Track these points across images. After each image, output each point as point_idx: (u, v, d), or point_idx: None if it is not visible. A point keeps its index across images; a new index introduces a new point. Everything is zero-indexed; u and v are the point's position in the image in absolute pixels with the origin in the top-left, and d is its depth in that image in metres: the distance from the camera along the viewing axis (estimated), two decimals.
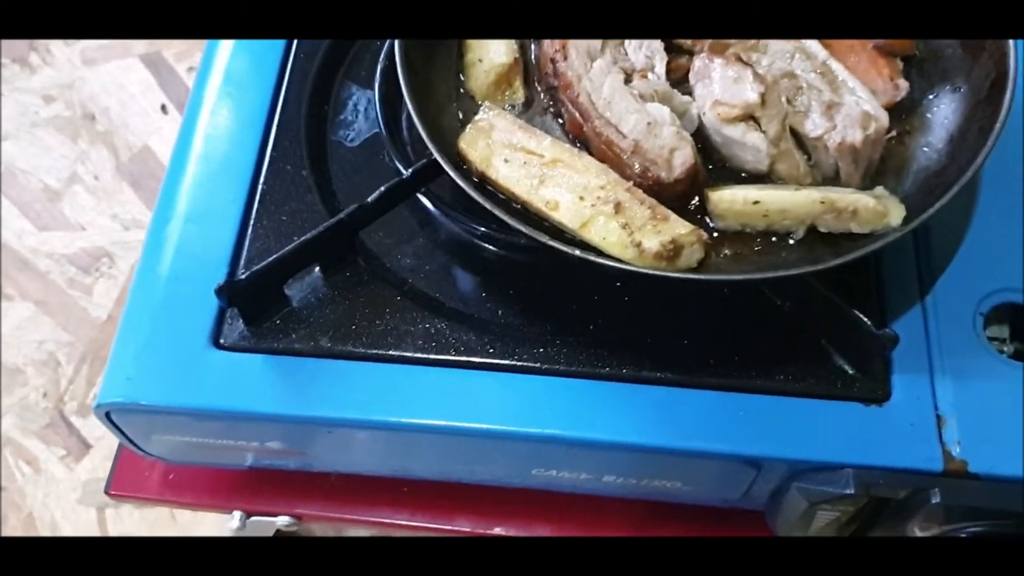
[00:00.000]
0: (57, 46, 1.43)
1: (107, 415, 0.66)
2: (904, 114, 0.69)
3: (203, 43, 1.45)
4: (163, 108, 1.39)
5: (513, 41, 0.70)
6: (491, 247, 0.70)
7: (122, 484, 0.79)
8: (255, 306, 0.65)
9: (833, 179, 0.66)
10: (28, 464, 1.14)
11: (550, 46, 0.66)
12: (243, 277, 0.63)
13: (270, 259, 0.64)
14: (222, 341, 0.66)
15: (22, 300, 1.23)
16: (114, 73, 1.41)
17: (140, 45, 1.44)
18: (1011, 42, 0.65)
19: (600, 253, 0.60)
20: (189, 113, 0.76)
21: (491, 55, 0.69)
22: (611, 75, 0.64)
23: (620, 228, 0.60)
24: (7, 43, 1.43)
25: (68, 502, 1.12)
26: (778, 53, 0.67)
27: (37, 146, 1.35)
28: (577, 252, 0.58)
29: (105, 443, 1.16)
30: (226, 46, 0.80)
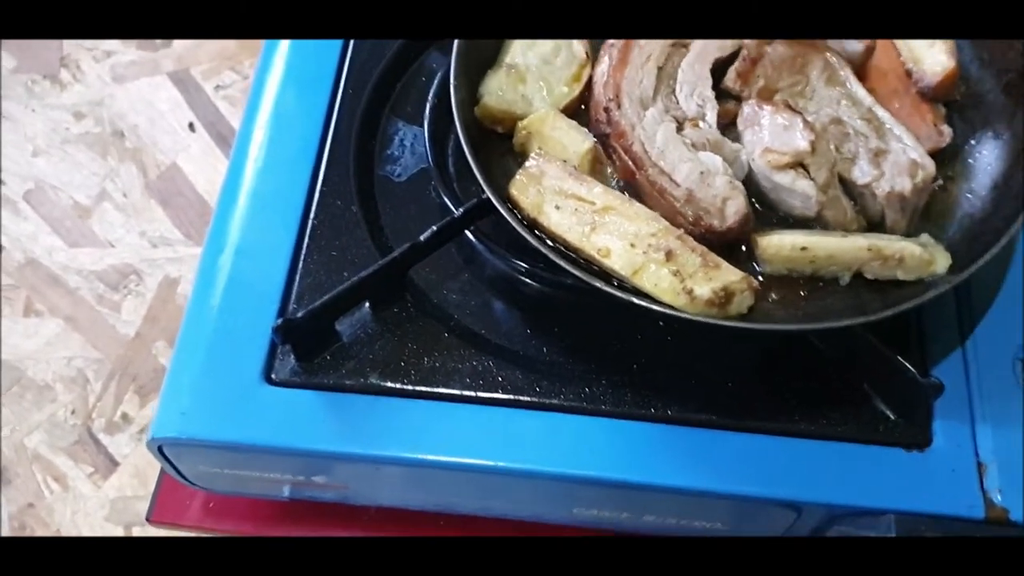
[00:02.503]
0: (87, 63, 1.44)
1: (159, 449, 0.66)
2: (947, 159, 0.70)
3: (231, 61, 1.47)
4: (191, 126, 1.40)
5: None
6: (536, 284, 0.71)
7: (163, 512, 0.79)
8: (308, 343, 0.66)
9: (879, 225, 0.67)
10: (56, 481, 1.15)
11: (603, 94, 0.67)
12: (299, 316, 0.64)
13: (325, 297, 0.64)
14: (274, 377, 0.67)
15: (52, 316, 1.24)
16: (143, 90, 1.42)
17: (168, 62, 1.45)
18: None
19: (651, 298, 0.61)
20: (239, 147, 0.77)
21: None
22: (664, 124, 0.65)
23: (671, 275, 0.61)
24: (38, 59, 1.44)
25: (96, 520, 1.13)
26: (824, 99, 0.69)
27: (68, 162, 1.36)
28: (632, 298, 0.59)
29: (132, 461, 1.17)
30: (274, 80, 0.81)
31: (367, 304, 0.69)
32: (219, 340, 0.68)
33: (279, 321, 0.63)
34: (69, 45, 1.46)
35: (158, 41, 1.47)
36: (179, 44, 1.47)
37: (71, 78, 1.43)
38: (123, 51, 1.46)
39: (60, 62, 1.44)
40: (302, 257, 0.71)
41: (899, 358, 0.63)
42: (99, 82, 1.42)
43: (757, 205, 0.68)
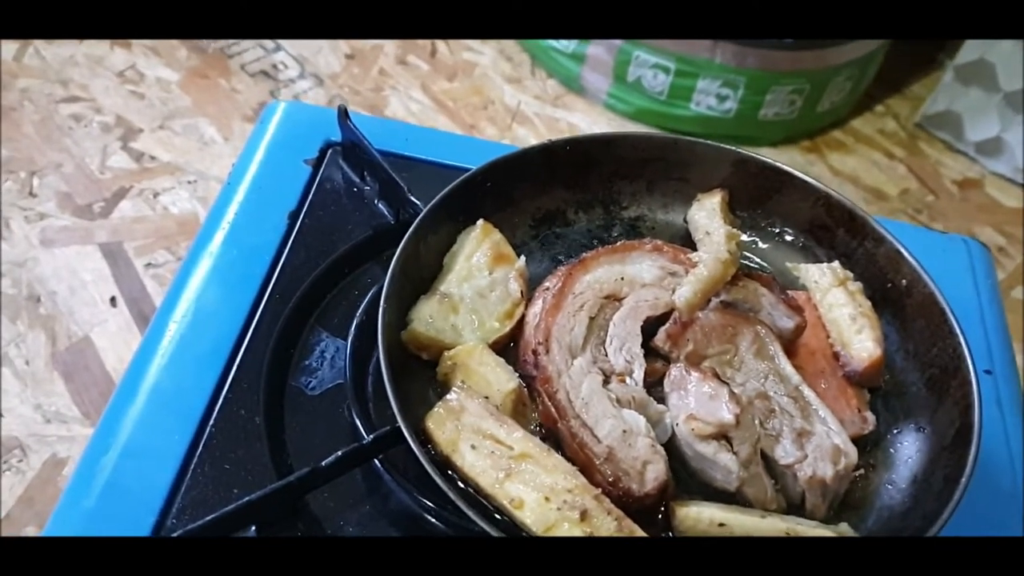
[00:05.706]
0: (18, 222, 1.41)
1: None
2: (869, 446, 0.69)
3: (167, 241, 1.45)
4: (112, 300, 1.36)
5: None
6: (442, 526, 0.67)
7: None
8: None
9: (798, 507, 0.65)
10: None
11: (533, 336, 0.66)
12: (174, 536, 0.58)
13: (206, 519, 0.59)
14: None
15: None
16: (70, 258, 1.39)
17: (103, 233, 1.43)
18: (975, 392, 0.67)
19: None
20: (150, 335, 0.73)
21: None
22: (590, 375, 0.64)
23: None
24: None
25: None
26: (752, 372, 0.68)
27: None
28: None
29: None
30: (201, 271, 0.78)
31: (252, 528, 0.63)
32: None
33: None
34: (5, 203, 1.43)
35: (96, 210, 1.46)
36: (116, 216, 1.46)
37: None
38: (58, 216, 1.44)
39: None
40: (192, 467, 0.66)
41: None
42: (25, 243, 1.39)
43: (678, 474, 0.65)
